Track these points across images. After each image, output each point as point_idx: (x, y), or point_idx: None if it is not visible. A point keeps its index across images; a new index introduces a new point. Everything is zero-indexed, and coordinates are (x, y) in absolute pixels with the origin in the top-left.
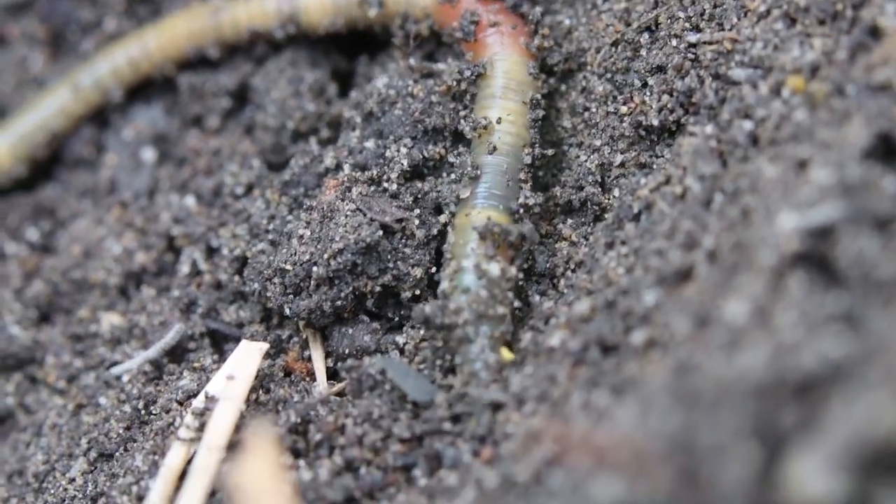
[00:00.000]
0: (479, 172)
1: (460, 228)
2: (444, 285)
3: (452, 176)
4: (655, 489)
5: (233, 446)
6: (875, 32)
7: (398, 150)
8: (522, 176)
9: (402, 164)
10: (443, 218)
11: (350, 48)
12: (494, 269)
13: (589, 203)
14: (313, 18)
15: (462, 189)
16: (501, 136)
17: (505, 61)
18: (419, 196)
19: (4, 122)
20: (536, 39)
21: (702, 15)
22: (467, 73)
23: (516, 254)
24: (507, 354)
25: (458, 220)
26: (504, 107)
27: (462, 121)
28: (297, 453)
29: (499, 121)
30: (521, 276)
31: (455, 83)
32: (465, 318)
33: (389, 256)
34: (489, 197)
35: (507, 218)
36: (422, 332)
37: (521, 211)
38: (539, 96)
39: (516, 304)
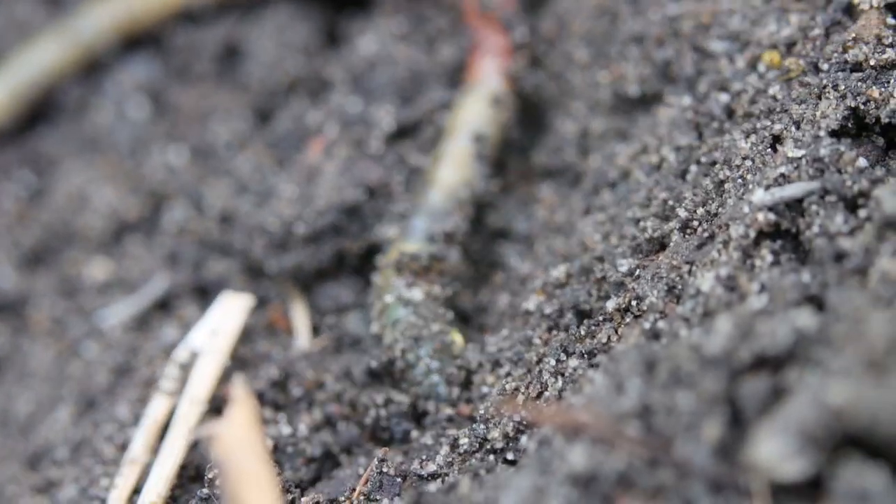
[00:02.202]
0: (409, 213)
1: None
2: (374, 327)
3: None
4: (626, 457)
5: (215, 399)
6: (850, 11)
7: (383, 112)
8: (459, 212)
9: (387, 126)
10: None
11: (338, 2)
12: (417, 294)
13: (568, 168)
14: None
15: (389, 229)
16: (446, 177)
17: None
18: (402, 158)
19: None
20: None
21: None
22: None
23: (440, 275)
24: (458, 340)
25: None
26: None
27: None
28: (277, 407)
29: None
30: (451, 294)
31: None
32: (401, 347)
33: (372, 217)
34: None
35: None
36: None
37: (441, 239)
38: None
39: (450, 315)
